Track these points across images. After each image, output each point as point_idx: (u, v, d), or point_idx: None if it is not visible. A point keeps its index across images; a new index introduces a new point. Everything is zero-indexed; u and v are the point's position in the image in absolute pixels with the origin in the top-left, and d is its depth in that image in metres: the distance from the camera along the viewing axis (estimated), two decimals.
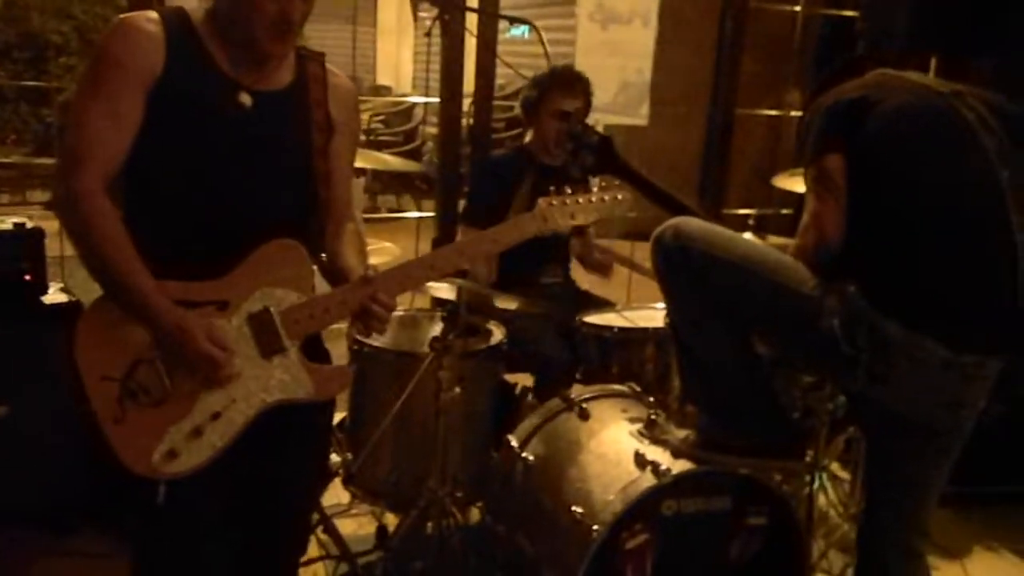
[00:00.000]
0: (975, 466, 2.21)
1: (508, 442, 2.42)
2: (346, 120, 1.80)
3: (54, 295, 2.77)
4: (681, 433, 2.17)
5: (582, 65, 3.18)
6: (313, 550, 2.55)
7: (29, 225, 2.74)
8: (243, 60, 1.65)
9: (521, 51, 4.93)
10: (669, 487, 2.04)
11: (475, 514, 2.71)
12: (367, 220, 5.42)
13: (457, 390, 2.38)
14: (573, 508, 2.08)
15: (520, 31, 5.83)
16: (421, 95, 8.72)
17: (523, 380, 2.97)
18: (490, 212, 2.64)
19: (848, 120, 1.92)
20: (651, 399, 2.41)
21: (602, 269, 3.25)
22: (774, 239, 2.83)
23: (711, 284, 1.98)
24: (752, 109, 5.09)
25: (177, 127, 1.60)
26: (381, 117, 9.39)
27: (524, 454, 2.35)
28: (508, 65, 3.68)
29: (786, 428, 2.22)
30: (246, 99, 1.65)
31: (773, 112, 5.49)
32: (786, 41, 5.01)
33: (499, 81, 4.30)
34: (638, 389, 2.50)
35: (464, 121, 3.98)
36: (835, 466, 3.07)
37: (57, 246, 2.74)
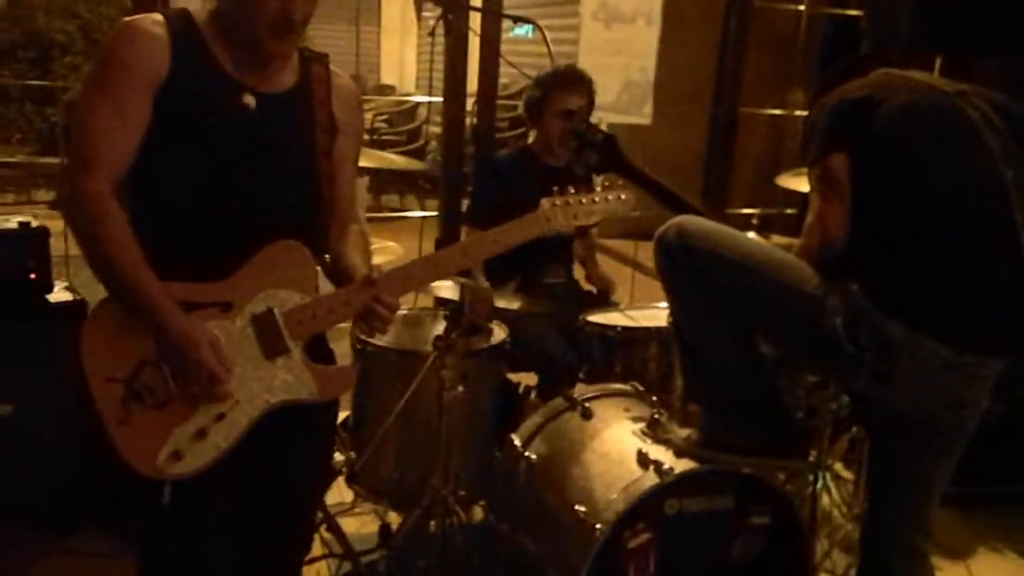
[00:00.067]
0: (978, 467, 2.21)
1: (511, 441, 2.42)
2: (349, 121, 1.80)
3: (59, 294, 2.77)
4: (684, 432, 2.17)
5: (586, 64, 3.19)
6: (316, 549, 2.56)
7: (34, 224, 2.74)
8: (247, 61, 1.66)
9: (525, 50, 4.93)
10: (672, 486, 2.05)
11: (478, 513, 2.71)
12: (370, 219, 5.43)
13: (460, 389, 2.38)
14: (576, 507, 2.08)
15: (524, 30, 5.82)
16: (425, 94, 8.74)
17: (526, 379, 2.97)
18: (493, 212, 2.64)
19: (852, 120, 1.92)
20: (654, 398, 2.41)
21: (602, 285, 3.25)
22: (778, 239, 2.82)
23: (714, 283, 1.98)
24: (756, 108, 5.09)
25: (181, 129, 1.60)
26: (385, 116, 9.41)
27: (527, 453, 2.35)
28: (512, 64, 3.67)
29: (789, 428, 2.22)
30: (250, 100, 1.65)
31: (777, 111, 5.47)
32: (790, 40, 5.00)
33: (503, 80, 4.31)
34: (641, 388, 2.50)
35: (468, 120, 3.99)
36: (838, 466, 3.07)
37: (62, 245, 2.75)
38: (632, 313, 2.91)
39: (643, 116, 4.41)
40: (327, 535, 2.64)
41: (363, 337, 2.60)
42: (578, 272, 3.35)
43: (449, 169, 3.83)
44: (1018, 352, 1.92)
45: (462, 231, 3.20)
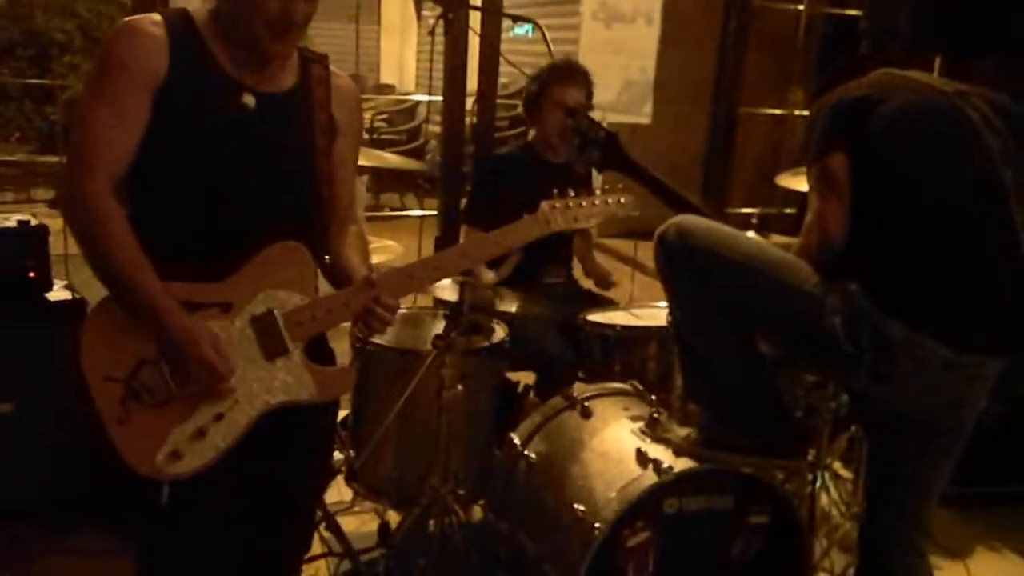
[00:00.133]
0: (977, 466, 2.21)
1: (510, 440, 2.42)
2: (349, 121, 1.80)
3: (58, 293, 2.78)
4: (683, 431, 2.17)
5: (586, 63, 3.18)
6: (316, 547, 2.56)
7: (33, 223, 2.75)
8: (246, 61, 1.66)
9: (525, 50, 4.93)
10: (671, 485, 2.05)
11: (477, 512, 2.71)
12: (370, 218, 5.43)
13: (459, 388, 2.38)
14: (575, 506, 2.08)
15: (524, 30, 5.82)
16: (424, 94, 8.73)
17: (525, 378, 2.97)
18: (492, 210, 2.65)
19: (851, 119, 1.92)
20: (653, 397, 2.42)
21: (602, 281, 3.25)
22: (777, 238, 2.82)
23: (714, 282, 1.98)
24: (755, 108, 5.09)
25: (181, 128, 1.60)
26: (384, 116, 9.40)
27: (526, 452, 2.35)
28: (512, 64, 3.68)
29: (788, 427, 2.23)
30: (249, 100, 1.65)
31: (776, 111, 5.48)
32: (790, 40, 5.00)
33: (502, 80, 4.30)
34: (640, 387, 2.50)
35: (467, 120, 3.99)
36: (837, 465, 3.07)
37: (61, 244, 2.75)
38: (631, 312, 2.91)
39: (643, 116, 4.41)
40: (326, 534, 2.64)
41: (362, 336, 2.60)
42: (577, 271, 3.36)
43: (448, 168, 3.84)
44: (1018, 352, 1.92)
45: (461, 229, 3.20)
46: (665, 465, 2.04)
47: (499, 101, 4.12)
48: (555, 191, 1.87)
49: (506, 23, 3.91)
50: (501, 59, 3.73)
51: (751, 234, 2.57)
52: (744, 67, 4.41)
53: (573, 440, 2.31)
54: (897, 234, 1.90)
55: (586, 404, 2.39)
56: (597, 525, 2.00)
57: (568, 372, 2.78)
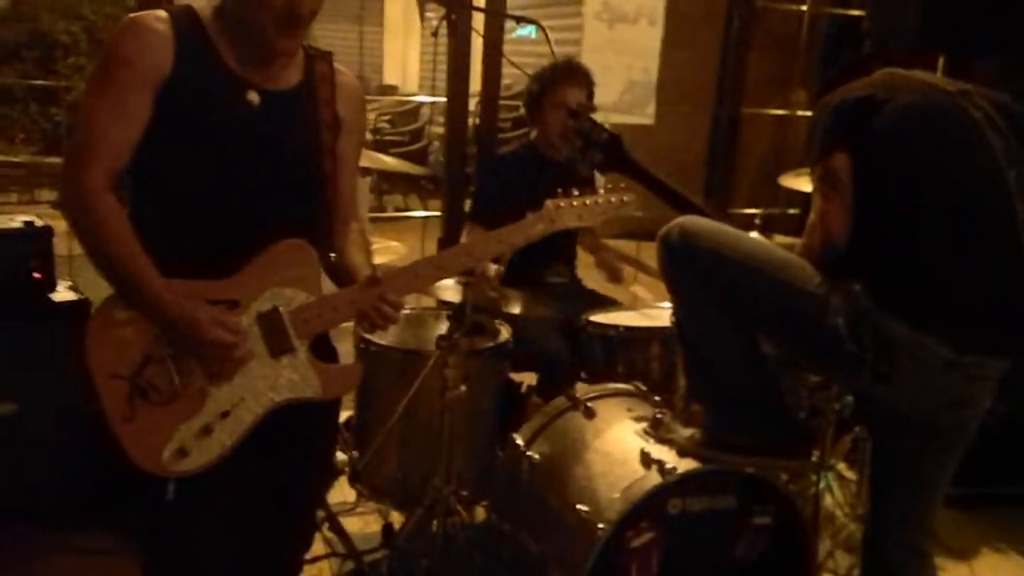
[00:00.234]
0: (981, 467, 2.21)
1: (513, 440, 2.42)
2: (353, 119, 1.81)
3: (62, 293, 2.78)
4: (687, 432, 2.17)
5: (588, 64, 3.19)
6: (319, 548, 2.56)
7: (38, 223, 2.76)
8: (251, 58, 1.66)
9: (528, 51, 4.93)
10: (675, 486, 2.04)
11: (480, 513, 2.71)
12: (373, 219, 5.43)
13: (463, 388, 2.38)
14: (578, 506, 2.08)
15: (527, 31, 5.82)
16: (428, 95, 8.76)
17: (528, 379, 2.97)
18: (496, 210, 2.64)
19: (855, 119, 1.92)
20: (657, 398, 2.41)
21: (614, 273, 3.24)
22: (781, 238, 2.83)
23: (717, 283, 1.98)
24: (758, 108, 5.09)
25: (185, 125, 1.61)
26: (388, 117, 9.40)
27: (529, 453, 2.35)
28: (515, 65, 3.68)
29: (792, 427, 2.22)
30: (254, 97, 1.66)
31: (779, 111, 5.47)
32: (792, 40, 5.00)
33: (506, 81, 4.32)
34: (644, 388, 2.50)
35: (470, 121, 3.99)
36: (841, 466, 3.07)
37: (66, 245, 2.76)
38: (634, 312, 2.91)
39: (646, 116, 4.42)
40: (330, 534, 2.64)
41: (366, 336, 2.60)
42: (580, 271, 3.35)
43: (452, 169, 3.84)
44: (1020, 352, 1.92)
45: (465, 229, 3.20)
46: (669, 466, 2.04)
47: (502, 102, 4.13)
48: (559, 190, 1.87)
49: (509, 24, 3.91)
50: (504, 60, 3.74)
51: (754, 235, 2.57)
52: (747, 67, 4.41)
53: (576, 441, 2.31)
54: (900, 234, 1.90)
55: (589, 405, 2.38)
56: (601, 526, 2.00)
57: (570, 373, 2.78)
